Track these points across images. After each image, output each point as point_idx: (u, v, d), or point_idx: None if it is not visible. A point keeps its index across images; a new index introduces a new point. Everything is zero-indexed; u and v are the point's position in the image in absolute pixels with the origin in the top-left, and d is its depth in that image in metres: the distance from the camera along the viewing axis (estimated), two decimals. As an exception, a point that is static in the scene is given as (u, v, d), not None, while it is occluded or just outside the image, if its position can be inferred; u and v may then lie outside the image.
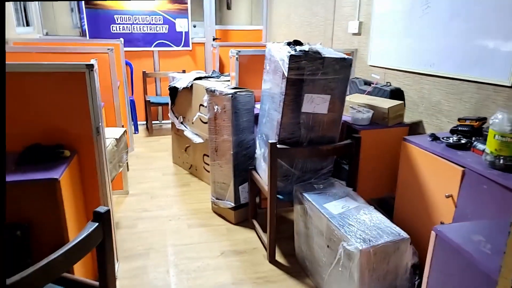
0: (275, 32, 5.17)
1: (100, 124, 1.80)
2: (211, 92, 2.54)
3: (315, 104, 2.03)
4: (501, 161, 1.47)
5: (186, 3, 4.82)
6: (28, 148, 1.65)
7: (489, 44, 1.92)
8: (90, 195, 1.89)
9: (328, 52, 2.00)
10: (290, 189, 2.17)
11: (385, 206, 2.32)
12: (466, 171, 1.57)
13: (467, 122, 1.88)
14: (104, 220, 1.11)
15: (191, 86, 3.20)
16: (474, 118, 1.88)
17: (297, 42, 2.07)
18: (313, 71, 1.93)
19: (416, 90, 2.50)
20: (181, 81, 3.31)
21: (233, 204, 2.59)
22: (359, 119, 2.37)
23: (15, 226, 1.54)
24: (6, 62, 1.70)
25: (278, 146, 2.01)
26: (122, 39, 3.64)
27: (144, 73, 4.78)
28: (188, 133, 3.30)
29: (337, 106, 2.08)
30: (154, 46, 4.87)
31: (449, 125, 2.18)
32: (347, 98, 2.35)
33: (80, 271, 1.75)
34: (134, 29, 4.72)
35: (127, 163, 2.95)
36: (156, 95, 5.07)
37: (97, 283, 1.24)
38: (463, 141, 1.76)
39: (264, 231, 2.33)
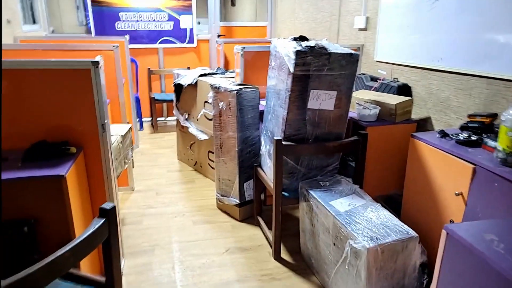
0: (280, 28, 5.14)
1: (106, 121, 1.80)
2: (216, 88, 2.53)
3: (321, 100, 2.01)
4: (513, 158, 1.44)
5: (191, 0, 4.80)
6: (34, 145, 1.65)
7: (499, 38, 1.88)
8: (96, 192, 1.89)
9: (335, 47, 1.97)
10: (296, 186, 2.15)
11: (392, 203, 2.29)
12: (477, 169, 1.55)
13: (478, 118, 1.85)
14: (110, 217, 1.10)
15: (196, 82, 3.19)
16: (485, 114, 1.85)
17: (302, 38, 2.05)
18: (319, 67, 1.91)
19: (424, 85, 2.47)
20: (186, 78, 3.30)
21: (238, 201, 2.58)
22: (366, 115, 2.34)
23: (22, 222, 1.54)
24: (13, 59, 1.70)
25: (283, 142, 1.99)
26: (127, 36, 3.63)
27: (149, 70, 4.78)
28: (192, 130, 3.29)
29: (343, 102, 2.06)
30: (159, 43, 4.86)
31: (458, 122, 2.15)
32: (354, 94, 2.33)
33: (87, 266, 1.76)
34: (139, 26, 4.72)
35: (132, 159, 2.95)
36: (161, 92, 5.07)
37: (103, 279, 1.24)
38: (473, 138, 1.74)
39: (269, 228, 2.32)
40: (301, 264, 2.15)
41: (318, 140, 2.09)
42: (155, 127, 4.76)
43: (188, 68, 4.71)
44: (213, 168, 3.10)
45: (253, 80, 2.86)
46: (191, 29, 4.90)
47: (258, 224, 2.53)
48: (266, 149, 2.27)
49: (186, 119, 3.43)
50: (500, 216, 1.42)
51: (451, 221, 1.72)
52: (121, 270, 2.01)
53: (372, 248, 1.48)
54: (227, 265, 2.13)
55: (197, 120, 3.25)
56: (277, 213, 2.09)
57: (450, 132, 1.89)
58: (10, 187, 1.52)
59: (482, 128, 1.81)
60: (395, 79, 2.70)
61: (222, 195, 2.69)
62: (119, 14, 4.61)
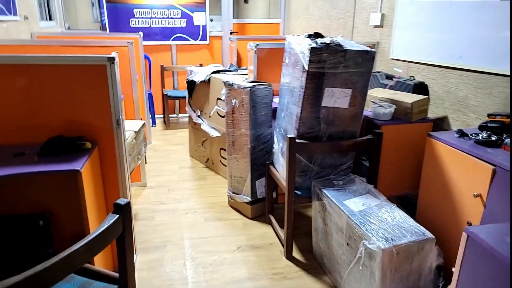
0: (293, 25, 5.11)
1: (120, 116, 1.80)
2: (229, 85, 2.52)
3: (336, 98, 1.98)
4: (534, 159, 1.39)
5: (204, -3, 4.81)
6: (50, 139, 1.66)
7: (521, 36, 1.83)
8: (109, 187, 1.90)
9: (350, 44, 1.94)
10: (308, 185, 2.13)
11: (406, 203, 2.25)
12: (497, 170, 1.50)
13: (498, 118, 1.80)
14: (124, 212, 1.10)
15: (209, 79, 3.19)
16: (505, 114, 1.80)
17: (317, 35, 2.02)
18: (334, 64, 1.88)
19: (442, 84, 2.42)
20: (199, 75, 3.30)
21: (249, 199, 2.57)
22: (381, 114, 2.31)
23: (37, 216, 1.56)
24: (30, 55, 1.72)
25: (297, 140, 1.97)
26: (141, 33, 3.65)
27: (162, 66, 4.80)
28: (205, 126, 3.30)
29: (358, 100, 2.03)
30: (172, 40, 4.88)
31: (477, 121, 2.10)
32: (368, 92, 2.29)
33: (100, 261, 1.77)
34: (152, 23, 4.74)
35: (145, 155, 2.96)
36: (174, 88, 5.09)
37: (116, 274, 1.24)
38: (493, 138, 1.69)
39: (281, 226, 2.31)
40: (313, 264, 2.13)
41: (332, 139, 2.06)
42: (167, 124, 4.78)
43: (201, 65, 4.71)
44: (225, 165, 3.10)
45: (266, 77, 2.84)
46: (204, 26, 4.91)
47: (269, 222, 2.52)
48: (279, 147, 2.25)
49: (199, 116, 3.44)
50: (520, 219, 1.38)
51: (469, 223, 1.68)
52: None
53: (387, 249, 1.46)
54: (239, 262, 2.13)
55: (210, 117, 3.25)
56: (289, 212, 2.07)
57: (469, 132, 1.84)
58: (26, 181, 1.54)
59: (502, 128, 1.76)
60: (411, 77, 2.65)
61: (233, 193, 2.69)
62: (134, 11, 4.63)
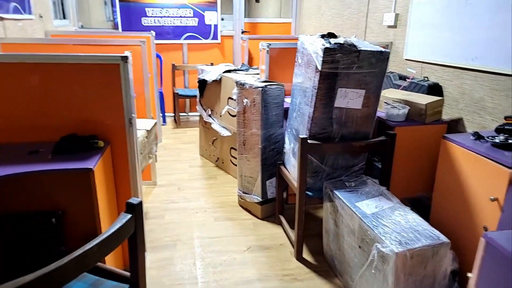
0: (305, 24, 5.08)
1: (133, 115, 1.81)
2: (241, 85, 2.51)
3: (349, 99, 1.96)
4: (555, 164, 1.35)
5: (216, -4, 4.81)
6: (64, 138, 1.68)
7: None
8: (121, 185, 1.91)
9: (364, 45, 1.92)
10: (320, 186, 2.11)
11: (419, 206, 2.22)
12: (514, 173, 1.47)
13: (515, 121, 1.76)
14: (137, 212, 1.10)
15: (220, 79, 3.19)
16: (523, 116, 1.76)
17: (331, 35, 2.00)
18: (347, 64, 1.86)
19: (456, 85, 2.37)
20: (210, 74, 3.30)
21: (260, 199, 2.56)
22: (394, 115, 2.27)
23: (50, 213, 1.58)
24: (45, 53, 1.74)
25: (309, 141, 1.95)
26: (153, 32, 3.67)
27: (173, 65, 4.82)
28: (215, 126, 3.29)
29: (371, 101, 2.00)
30: (184, 39, 4.89)
31: (493, 124, 2.06)
32: (381, 93, 2.26)
33: (111, 260, 1.78)
34: (164, 22, 4.75)
35: (155, 154, 2.97)
36: (184, 87, 5.10)
37: (128, 273, 1.25)
38: (510, 141, 1.65)
39: (291, 227, 2.29)
40: (324, 266, 2.11)
41: (345, 140, 2.04)
42: (177, 122, 4.80)
43: (212, 64, 4.72)
44: (235, 165, 3.10)
45: (277, 77, 2.83)
46: (215, 25, 4.91)
47: (279, 223, 2.51)
48: (290, 147, 2.24)
49: (209, 115, 3.44)
50: (539, 225, 1.35)
51: (485, 228, 1.64)
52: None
53: (401, 253, 1.43)
54: (248, 263, 2.12)
55: (221, 116, 3.25)
56: (300, 213, 2.06)
57: (485, 135, 1.80)
58: (40, 179, 1.56)
59: (520, 131, 1.72)
60: (425, 78, 2.61)
61: (244, 192, 2.68)
62: (146, 9, 4.66)
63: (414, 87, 2.59)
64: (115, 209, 1.90)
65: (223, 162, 3.41)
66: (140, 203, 1.11)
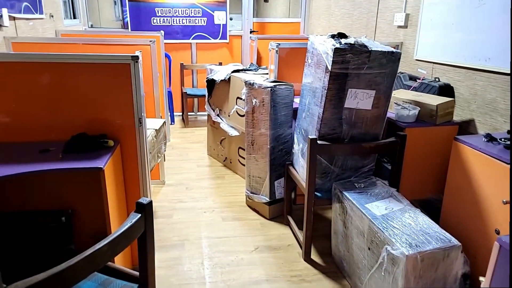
0: (314, 24, 5.05)
1: (143, 115, 1.82)
2: (250, 85, 2.50)
3: (359, 99, 1.94)
4: None
5: (225, -4, 4.81)
6: (74, 137, 1.69)
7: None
8: (130, 185, 1.92)
9: (375, 45, 1.90)
10: (329, 187, 2.10)
11: (429, 208, 2.19)
12: (528, 176, 1.44)
13: (529, 123, 1.72)
14: (146, 212, 1.10)
15: (229, 78, 3.18)
16: (537, 118, 1.72)
17: (341, 35, 1.98)
18: (358, 65, 1.84)
19: (468, 86, 2.34)
20: (219, 74, 3.30)
21: (268, 199, 2.56)
22: (405, 116, 2.25)
23: (60, 212, 1.59)
24: (55, 53, 1.75)
25: (318, 142, 1.94)
26: (162, 32, 3.68)
27: (181, 65, 4.83)
28: (224, 125, 3.30)
29: (382, 102, 1.98)
30: (192, 39, 4.90)
31: (506, 125, 2.02)
32: (392, 94, 2.24)
33: (120, 260, 1.79)
34: (173, 21, 4.77)
35: (164, 153, 2.98)
36: (193, 87, 5.12)
37: (137, 273, 1.25)
38: (524, 143, 1.62)
39: (299, 228, 2.28)
40: (332, 267, 2.10)
41: (354, 140, 2.02)
42: (186, 122, 4.81)
43: (220, 63, 4.72)
44: (243, 165, 3.09)
45: (286, 77, 2.82)
46: (224, 25, 4.91)
47: (287, 223, 2.50)
48: (299, 148, 2.23)
49: (218, 115, 3.44)
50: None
51: (497, 231, 1.61)
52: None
53: (411, 255, 1.42)
54: (256, 263, 2.12)
55: (229, 116, 3.25)
56: (309, 213, 2.04)
57: (498, 137, 1.77)
58: (50, 177, 1.57)
59: (534, 133, 1.69)
60: (436, 79, 2.58)
61: (252, 192, 2.68)
62: (155, 9, 4.68)
63: (425, 87, 2.56)
64: (124, 208, 1.91)
65: (231, 162, 3.42)
66: (150, 203, 1.11)
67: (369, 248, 1.68)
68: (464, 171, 1.81)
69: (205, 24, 4.86)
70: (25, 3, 2.91)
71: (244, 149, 2.81)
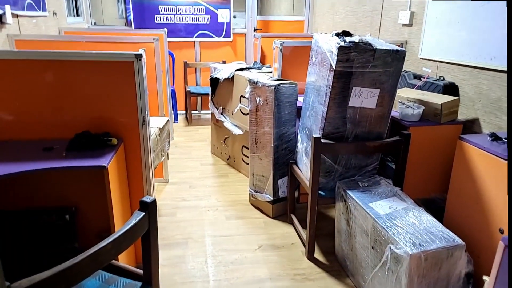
0: (318, 22, 5.03)
1: (146, 113, 1.82)
2: (253, 83, 2.50)
3: (363, 98, 1.93)
4: None
5: (228, -7, 4.80)
6: (78, 135, 1.69)
7: None
8: (134, 183, 1.92)
9: (379, 43, 1.89)
10: (332, 186, 2.10)
11: (432, 207, 2.18)
12: (534, 176, 1.43)
13: (535, 122, 1.71)
14: (150, 210, 1.11)
15: (233, 77, 3.18)
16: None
17: (346, 33, 1.97)
18: (362, 63, 1.83)
19: (473, 85, 2.32)
20: (223, 72, 3.30)
21: (271, 198, 2.56)
22: (409, 114, 2.24)
23: (63, 210, 1.60)
24: (59, 51, 1.75)
25: (322, 140, 1.94)
26: (166, 29, 3.68)
27: (185, 63, 4.83)
28: (227, 124, 3.30)
29: (386, 101, 1.97)
30: (196, 37, 4.90)
31: (511, 124, 2.01)
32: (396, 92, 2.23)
33: (123, 258, 1.79)
34: (177, 19, 4.77)
35: (167, 152, 2.99)
36: (196, 85, 5.12)
37: (140, 271, 1.25)
38: (530, 143, 1.60)
39: (303, 226, 2.28)
40: (335, 266, 2.10)
41: (358, 139, 2.02)
42: (189, 120, 4.81)
43: (224, 62, 4.72)
44: (247, 163, 3.09)
45: (291, 75, 2.81)
46: (228, 23, 4.90)
47: (291, 222, 2.50)
48: (303, 147, 2.22)
49: (221, 113, 3.44)
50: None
51: (501, 230, 1.60)
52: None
53: (415, 254, 1.41)
54: (260, 262, 2.12)
55: (232, 114, 3.25)
56: (312, 212, 2.04)
57: (502, 136, 1.76)
58: (54, 175, 1.58)
59: (540, 132, 1.67)
60: (441, 78, 2.56)
61: (255, 191, 2.68)
62: (159, 7, 4.68)
63: (429, 86, 2.54)
64: (128, 206, 1.92)
65: (234, 161, 3.42)
66: (154, 202, 1.11)
67: (372, 247, 1.67)
68: (469, 170, 1.80)
69: (208, 22, 4.85)
70: (28, 1, 2.92)
71: (247, 148, 2.82)
